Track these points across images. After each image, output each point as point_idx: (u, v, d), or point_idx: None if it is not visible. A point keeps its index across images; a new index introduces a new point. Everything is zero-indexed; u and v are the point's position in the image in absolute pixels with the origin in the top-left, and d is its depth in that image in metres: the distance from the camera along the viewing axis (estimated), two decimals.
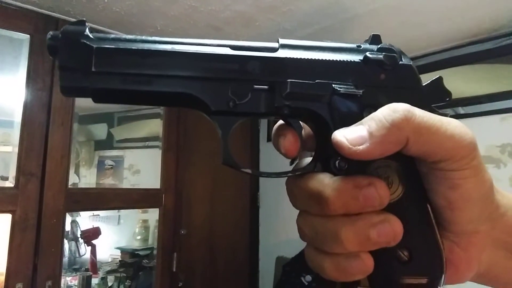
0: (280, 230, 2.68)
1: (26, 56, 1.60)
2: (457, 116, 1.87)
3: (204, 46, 0.31)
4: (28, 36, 1.60)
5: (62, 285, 1.78)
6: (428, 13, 1.67)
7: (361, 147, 0.27)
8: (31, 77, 1.59)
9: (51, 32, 0.30)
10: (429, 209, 0.29)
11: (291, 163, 0.34)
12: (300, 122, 0.33)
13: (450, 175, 0.27)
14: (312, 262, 0.29)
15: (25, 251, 1.53)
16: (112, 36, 0.31)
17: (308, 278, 2.22)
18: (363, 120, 0.28)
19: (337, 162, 0.29)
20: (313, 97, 0.31)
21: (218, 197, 2.60)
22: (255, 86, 0.31)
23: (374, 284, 0.29)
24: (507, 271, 0.31)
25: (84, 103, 2.47)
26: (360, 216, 0.27)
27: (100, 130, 2.80)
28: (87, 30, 0.30)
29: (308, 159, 0.32)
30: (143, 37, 0.31)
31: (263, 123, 2.90)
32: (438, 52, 1.98)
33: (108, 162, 2.80)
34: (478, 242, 0.29)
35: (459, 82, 1.95)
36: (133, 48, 0.30)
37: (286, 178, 0.32)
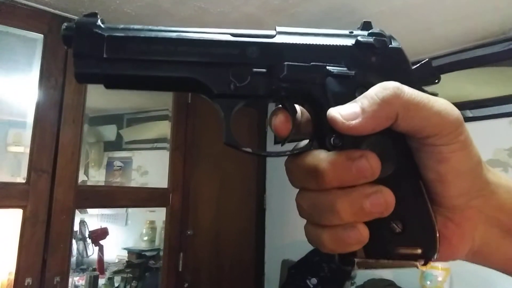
0: (286, 233, 2.68)
1: (39, 55, 1.64)
2: (465, 119, 1.86)
3: (207, 34, 0.33)
4: (42, 35, 1.64)
5: (69, 284, 1.80)
6: (435, 16, 1.68)
7: (353, 122, 0.29)
8: (44, 76, 1.63)
9: (65, 24, 0.33)
10: (421, 183, 0.30)
11: (282, 145, 0.35)
12: (297, 106, 0.35)
13: (438, 150, 0.29)
14: (311, 237, 0.31)
15: (35, 246, 1.56)
16: (122, 26, 0.33)
17: (314, 281, 2.21)
18: (356, 99, 0.30)
19: (332, 139, 0.30)
20: (308, 78, 0.32)
21: (225, 199, 2.62)
22: (254, 69, 0.33)
23: (370, 254, 0.30)
24: (499, 249, 0.32)
25: (94, 104, 2.52)
26: (354, 188, 0.29)
27: (109, 132, 2.84)
28: (99, 21, 0.33)
29: (306, 141, 0.34)
30: (150, 27, 0.33)
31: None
32: (445, 55, 1.98)
33: (117, 163, 2.83)
34: (470, 217, 0.31)
35: (467, 85, 1.95)
36: (141, 35, 0.32)
37: (286, 159, 0.33)
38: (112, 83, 0.33)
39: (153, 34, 0.32)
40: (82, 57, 0.32)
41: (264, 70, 0.33)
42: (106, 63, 0.32)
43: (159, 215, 2.52)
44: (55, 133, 1.64)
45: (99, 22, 0.33)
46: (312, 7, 1.63)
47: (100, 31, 0.32)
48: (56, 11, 1.66)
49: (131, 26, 0.33)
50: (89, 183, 2.65)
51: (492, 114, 1.83)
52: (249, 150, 0.34)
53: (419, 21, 1.71)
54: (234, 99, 0.33)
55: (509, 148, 1.78)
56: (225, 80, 0.32)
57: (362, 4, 1.59)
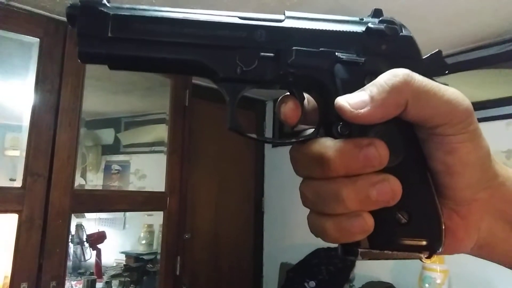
0: (284, 236, 2.67)
1: (35, 59, 1.63)
2: None
3: (214, 16, 0.32)
4: (38, 39, 1.63)
5: None
6: (433, 18, 1.68)
7: (362, 111, 0.28)
8: (40, 80, 1.62)
9: (70, 2, 0.32)
10: (428, 174, 0.30)
11: (290, 133, 0.35)
12: (305, 94, 0.34)
13: (447, 140, 0.28)
14: (314, 227, 0.30)
15: (30, 251, 1.55)
16: (127, 5, 0.32)
17: (312, 284, 2.20)
18: (365, 87, 0.29)
19: (339, 127, 0.30)
20: (316, 64, 0.32)
21: (223, 202, 2.61)
22: (262, 53, 0.32)
23: (374, 245, 0.29)
24: (504, 242, 0.32)
25: (91, 108, 2.51)
26: (361, 176, 0.28)
27: (107, 135, 2.83)
28: None
29: (312, 130, 0.33)
30: (156, 7, 0.32)
31: (268, 128, 2.91)
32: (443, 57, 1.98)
33: (115, 166, 2.82)
34: (476, 210, 0.30)
35: (464, 87, 1.94)
36: (147, 15, 0.31)
37: (290, 148, 0.33)
38: (115, 63, 0.32)
39: (159, 14, 0.32)
40: (86, 36, 0.31)
41: (271, 54, 0.32)
42: (111, 43, 0.31)
43: (157, 218, 2.51)
44: (51, 137, 1.63)
45: (104, 1, 0.32)
46: (310, 10, 1.62)
47: (105, 10, 0.31)
48: (52, 15, 1.65)
49: (137, 6, 0.32)
50: (87, 187, 2.63)
51: (489, 116, 1.82)
52: (254, 136, 0.33)
53: (416, 23, 1.71)
54: (240, 83, 0.32)
55: (506, 150, 1.78)
56: (231, 64, 0.32)
57: (360, 6, 1.59)
